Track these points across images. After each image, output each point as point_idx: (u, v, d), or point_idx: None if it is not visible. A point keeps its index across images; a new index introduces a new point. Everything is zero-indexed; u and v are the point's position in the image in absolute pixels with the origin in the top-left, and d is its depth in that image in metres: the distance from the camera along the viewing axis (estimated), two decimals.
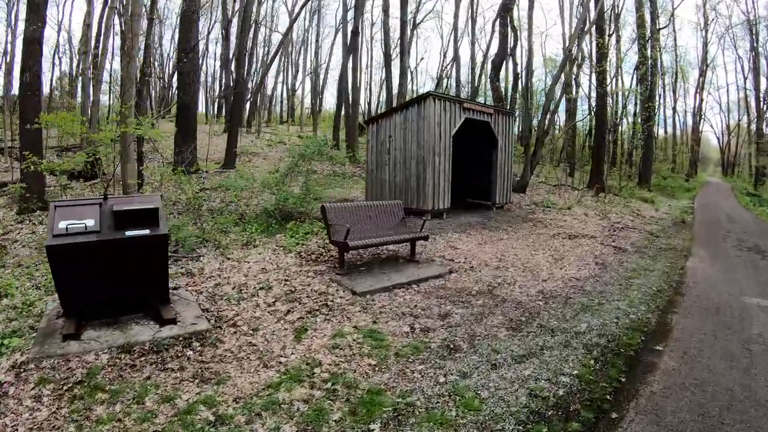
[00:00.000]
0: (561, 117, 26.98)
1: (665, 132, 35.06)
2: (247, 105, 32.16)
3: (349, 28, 25.04)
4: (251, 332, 4.49)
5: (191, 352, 3.98)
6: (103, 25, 16.96)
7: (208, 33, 36.72)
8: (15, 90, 17.72)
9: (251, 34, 32.48)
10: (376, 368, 3.85)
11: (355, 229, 7.01)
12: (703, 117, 33.94)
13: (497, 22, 19.11)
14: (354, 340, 4.37)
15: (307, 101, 50.01)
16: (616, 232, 10.97)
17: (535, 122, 21.71)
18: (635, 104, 21.70)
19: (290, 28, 33.54)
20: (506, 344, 4.38)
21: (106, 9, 16.91)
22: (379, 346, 4.26)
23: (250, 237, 8.61)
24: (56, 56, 28.63)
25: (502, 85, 25.41)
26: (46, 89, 22.61)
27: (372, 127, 12.31)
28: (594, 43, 17.29)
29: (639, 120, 19.04)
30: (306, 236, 8.37)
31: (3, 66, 19.33)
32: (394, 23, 26.63)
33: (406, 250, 7.73)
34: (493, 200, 12.84)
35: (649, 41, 17.70)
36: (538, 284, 6.42)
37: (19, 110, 10.04)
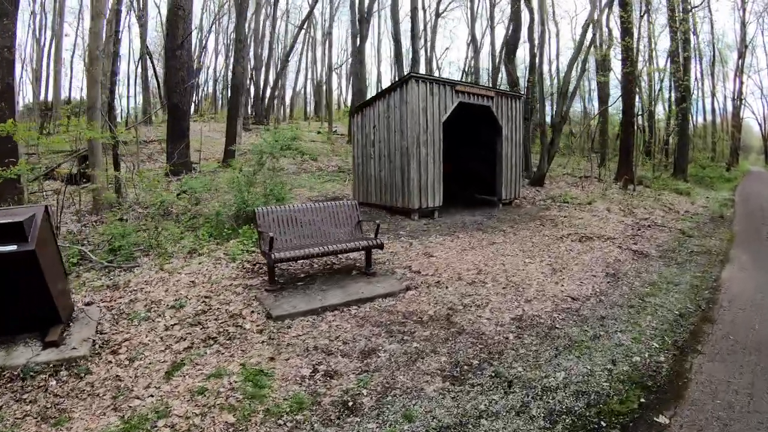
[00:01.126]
0: (595, 104, 24.73)
1: (704, 119, 31.77)
2: (266, 101, 31.63)
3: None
4: (127, 362, 3.84)
5: (54, 383, 3.49)
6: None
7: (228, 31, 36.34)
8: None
9: (268, 30, 31.94)
10: (231, 430, 2.82)
11: (292, 237, 5.88)
12: (743, 102, 30.34)
13: None
14: (230, 383, 3.42)
15: (336, 96, 49.28)
16: (640, 232, 9.21)
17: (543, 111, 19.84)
18: (670, 89, 19.31)
19: (306, 19, 32.74)
20: (429, 406, 3.07)
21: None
22: (254, 395, 3.22)
23: (200, 244, 7.65)
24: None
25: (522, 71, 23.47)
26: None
27: (356, 117, 11.05)
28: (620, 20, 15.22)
29: (673, 104, 16.77)
30: (257, 243, 7.26)
31: None
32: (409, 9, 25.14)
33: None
34: (498, 195, 11.30)
35: (679, 13, 15.41)
36: (517, 306, 4.99)
37: None
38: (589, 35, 13.32)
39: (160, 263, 6.64)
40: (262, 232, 5.70)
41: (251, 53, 31.70)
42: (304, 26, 34.38)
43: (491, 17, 25.59)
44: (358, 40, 21.94)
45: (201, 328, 4.40)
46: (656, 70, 17.13)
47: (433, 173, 9.44)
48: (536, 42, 14.35)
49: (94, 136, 9.82)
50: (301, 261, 6.22)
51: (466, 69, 35.71)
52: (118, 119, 19.39)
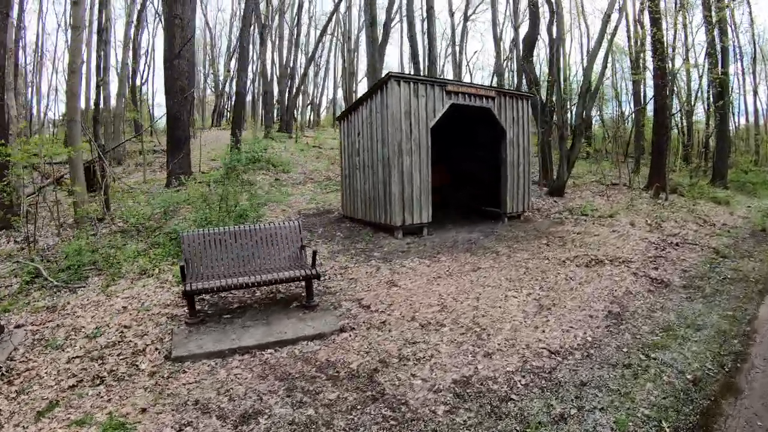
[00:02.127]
0: (632, 107, 22.68)
1: (746, 120, 28.58)
2: (289, 108, 31.39)
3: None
4: (14, 395, 3.67)
5: None
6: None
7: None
8: None
9: (294, 36, 31.88)
10: None
11: (220, 264, 5.07)
12: None
13: None
14: None
15: None
16: (664, 252, 7.72)
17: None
18: (709, 87, 17.13)
19: (327, 24, 32.39)
20: None
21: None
22: None
23: (154, 264, 7.02)
24: None
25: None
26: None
27: (343, 124, 10.16)
28: (648, 11, 13.51)
29: (711, 103, 14.75)
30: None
31: None
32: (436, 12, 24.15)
33: (320, 287, 5.49)
34: (503, 209, 10.04)
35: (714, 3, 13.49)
36: (469, 363, 3.86)
37: None
38: (610, 26, 11.84)
39: (105, 285, 6.27)
40: (188, 258, 5.05)
41: (275, 60, 31.79)
42: (327, 31, 34.11)
43: (514, 14, 24.13)
44: (370, 42, 21.14)
45: (99, 364, 4.07)
46: (694, 66, 15.19)
47: (418, 186, 8.37)
48: (554, 38, 12.96)
49: (71, 152, 9.55)
50: (242, 289, 5.42)
51: (496, 71, 34.23)
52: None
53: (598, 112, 26.57)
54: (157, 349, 4.31)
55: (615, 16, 11.92)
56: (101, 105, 15.65)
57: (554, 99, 12.87)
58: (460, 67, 36.94)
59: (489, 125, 9.74)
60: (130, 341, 4.48)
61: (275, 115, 32.61)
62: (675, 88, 14.75)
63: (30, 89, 24.60)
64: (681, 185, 13.59)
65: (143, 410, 3.34)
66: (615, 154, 18.82)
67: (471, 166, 11.90)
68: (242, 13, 16.26)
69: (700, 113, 20.37)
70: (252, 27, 18.63)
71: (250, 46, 35.34)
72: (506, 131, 9.63)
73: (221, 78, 36.77)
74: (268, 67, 33.86)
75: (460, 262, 6.91)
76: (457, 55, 37.42)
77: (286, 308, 5.20)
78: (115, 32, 25.52)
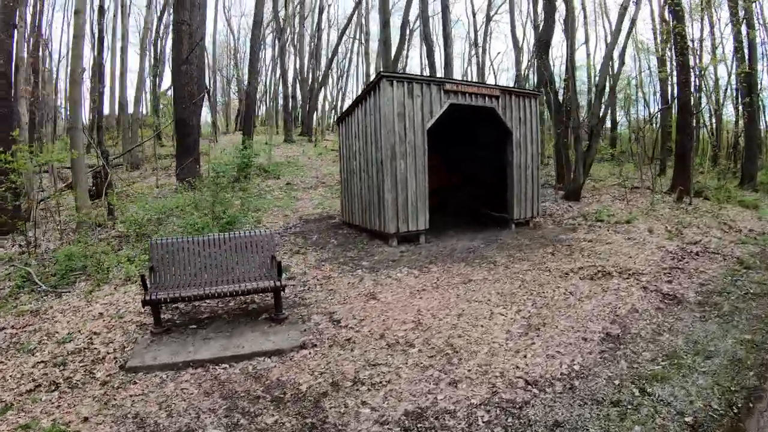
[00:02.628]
0: (659, 105, 21.43)
1: None
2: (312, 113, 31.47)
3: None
4: None
5: None
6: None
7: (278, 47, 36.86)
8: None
9: (316, 40, 31.97)
10: None
11: (189, 273, 4.88)
12: None
13: None
14: None
15: None
16: (682, 263, 6.98)
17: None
18: (736, 86, 15.81)
19: (345, 27, 32.30)
20: None
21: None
22: None
23: (140, 270, 6.94)
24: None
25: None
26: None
27: (341, 126, 9.83)
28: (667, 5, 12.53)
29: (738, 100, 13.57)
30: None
31: None
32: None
33: (292, 298, 5.15)
34: (510, 214, 9.45)
35: None
36: (430, 391, 3.40)
37: None
38: (627, 20, 11.04)
39: (89, 290, 6.26)
40: (155, 266, 4.91)
41: (294, 64, 31.95)
42: (347, 34, 34.05)
43: (534, 14, 23.28)
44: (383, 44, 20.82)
45: (60, 370, 4.05)
46: (720, 61, 14.04)
47: (414, 191, 7.92)
48: (567, 35, 12.24)
49: (73, 157, 9.66)
50: (213, 299, 5.19)
51: (517, 72, 33.26)
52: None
53: (625, 113, 25.35)
54: (115, 358, 4.24)
55: (632, 8, 11.11)
56: (116, 111, 15.95)
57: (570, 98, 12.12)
58: (483, 68, 36.11)
59: (494, 126, 9.20)
60: (96, 348, 4.43)
61: (297, 119, 32.77)
62: (702, 86, 13.68)
63: (60, 96, 25.52)
64: (707, 188, 12.56)
65: (85, 419, 3.30)
66: (639, 156, 17.78)
67: (477, 169, 11.34)
68: (253, 18, 16.21)
69: (731, 113, 18.99)
70: (272, 32, 18.58)
71: (269, 51, 35.75)
72: (512, 132, 9.06)
73: (245, 82, 37.30)
74: (290, 71, 34.15)
75: (451, 273, 6.43)
76: (480, 56, 36.60)
77: (254, 320, 4.90)
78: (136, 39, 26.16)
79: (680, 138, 12.30)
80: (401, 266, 6.80)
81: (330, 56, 32.83)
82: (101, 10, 12.54)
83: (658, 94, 21.79)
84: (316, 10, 32.99)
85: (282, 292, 4.67)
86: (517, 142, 9.20)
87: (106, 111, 23.78)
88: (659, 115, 18.19)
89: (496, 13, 37.56)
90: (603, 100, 11.64)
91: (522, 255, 7.49)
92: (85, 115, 27.29)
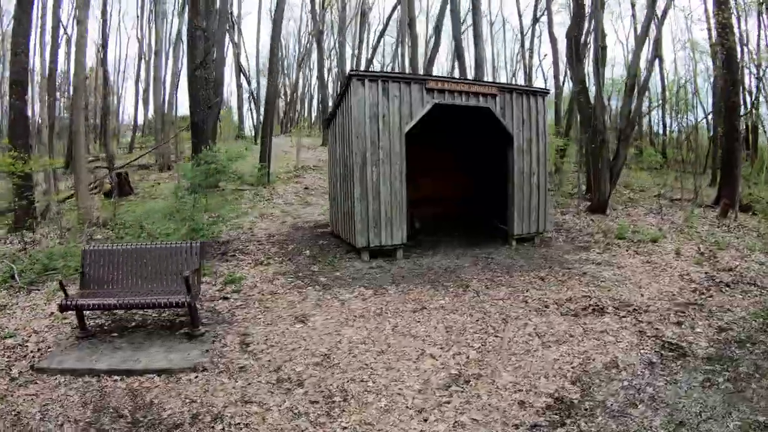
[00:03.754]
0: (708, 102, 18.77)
1: None
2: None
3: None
4: None
5: None
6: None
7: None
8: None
9: (357, 41, 31.70)
10: None
11: (114, 283, 4.75)
12: None
13: None
14: None
15: None
16: (703, 297, 5.51)
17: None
18: None
19: (385, 29, 31.64)
20: None
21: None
22: None
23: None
24: None
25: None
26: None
27: (329, 129, 9.11)
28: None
29: None
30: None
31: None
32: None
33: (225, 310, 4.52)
34: (510, 229, 8.26)
35: None
36: None
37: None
38: (661, 4, 9.31)
39: (55, 289, 6.08)
40: (86, 273, 4.78)
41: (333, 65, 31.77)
42: (386, 34, 33.37)
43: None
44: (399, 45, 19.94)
45: None
46: None
47: (388, 202, 7.01)
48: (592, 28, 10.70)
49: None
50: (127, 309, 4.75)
51: (555, 74, 30.95)
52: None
53: (678, 119, 22.50)
54: (34, 357, 4.19)
55: None
56: (139, 117, 16.39)
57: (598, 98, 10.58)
58: (531, 71, 34.02)
59: (494, 128, 8.06)
60: (27, 345, 4.43)
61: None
62: (763, 87, 11.49)
63: (115, 98, 26.88)
64: (758, 201, 10.47)
65: None
66: (683, 165, 15.57)
67: (490, 175, 10.08)
68: (272, 17, 15.93)
69: None
70: (309, 33, 18.29)
71: (314, 54, 35.82)
72: (513, 135, 7.87)
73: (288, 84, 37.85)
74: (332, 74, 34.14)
75: (407, 298, 5.46)
76: (527, 58, 34.51)
77: (172, 333, 4.56)
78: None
79: (727, 145, 10.34)
80: (357, 286, 5.94)
81: (369, 56, 32.35)
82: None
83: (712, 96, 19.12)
84: (358, 14, 32.63)
85: (193, 307, 4.15)
86: (519, 147, 7.99)
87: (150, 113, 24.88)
88: (711, 121, 15.79)
89: (542, 14, 35.32)
90: (632, 101, 10.01)
91: (506, 279, 6.35)
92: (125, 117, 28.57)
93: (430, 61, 24.97)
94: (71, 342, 4.45)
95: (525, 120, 7.96)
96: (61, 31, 16.26)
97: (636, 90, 10.01)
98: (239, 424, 2.94)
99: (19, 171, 8.59)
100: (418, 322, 4.71)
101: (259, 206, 12.07)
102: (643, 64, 10.92)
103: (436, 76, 7.66)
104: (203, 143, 13.91)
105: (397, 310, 5.04)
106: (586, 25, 11.72)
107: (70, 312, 4.40)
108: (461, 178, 10.16)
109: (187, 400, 3.32)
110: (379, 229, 6.97)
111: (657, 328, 4.65)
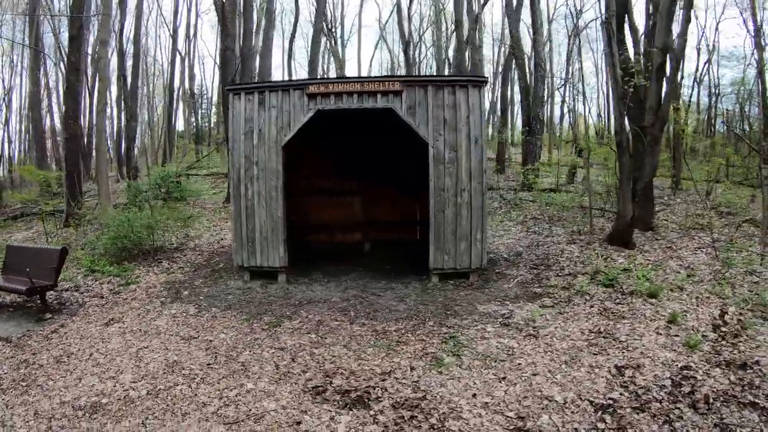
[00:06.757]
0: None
1: None
2: None
3: None
4: None
5: None
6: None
7: None
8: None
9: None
10: None
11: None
12: None
13: None
14: None
15: None
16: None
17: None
18: None
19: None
20: None
21: None
22: None
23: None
24: None
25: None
26: None
27: None
28: None
29: None
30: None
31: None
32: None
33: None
34: (430, 262, 6.33)
35: None
36: None
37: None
38: None
39: None
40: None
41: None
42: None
43: None
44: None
45: None
46: None
47: (265, 221, 6.18)
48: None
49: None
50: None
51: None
52: None
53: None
54: None
55: None
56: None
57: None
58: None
59: (409, 134, 6.38)
60: None
61: None
62: None
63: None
64: None
65: None
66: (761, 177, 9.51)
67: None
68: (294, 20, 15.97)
69: None
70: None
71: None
72: (428, 141, 6.09)
73: None
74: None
75: (211, 324, 4.76)
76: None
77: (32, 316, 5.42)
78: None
79: None
80: (198, 304, 5.50)
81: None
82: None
83: None
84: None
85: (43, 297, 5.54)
86: (438, 155, 6.10)
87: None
88: None
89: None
90: (661, 87, 6.53)
91: (345, 326, 4.91)
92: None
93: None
94: None
95: (447, 120, 6.04)
96: None
97: (668, 69, 6.53)
98: None
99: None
100: (166, 348, 4.04)
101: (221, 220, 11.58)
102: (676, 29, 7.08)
103: (319, 79, 6.61)
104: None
105: (177, 334, 4.42)
106: None
107: None
108: (402, 198, 8.41)
109: None
110: (255, 249, 6.25)
111: None
